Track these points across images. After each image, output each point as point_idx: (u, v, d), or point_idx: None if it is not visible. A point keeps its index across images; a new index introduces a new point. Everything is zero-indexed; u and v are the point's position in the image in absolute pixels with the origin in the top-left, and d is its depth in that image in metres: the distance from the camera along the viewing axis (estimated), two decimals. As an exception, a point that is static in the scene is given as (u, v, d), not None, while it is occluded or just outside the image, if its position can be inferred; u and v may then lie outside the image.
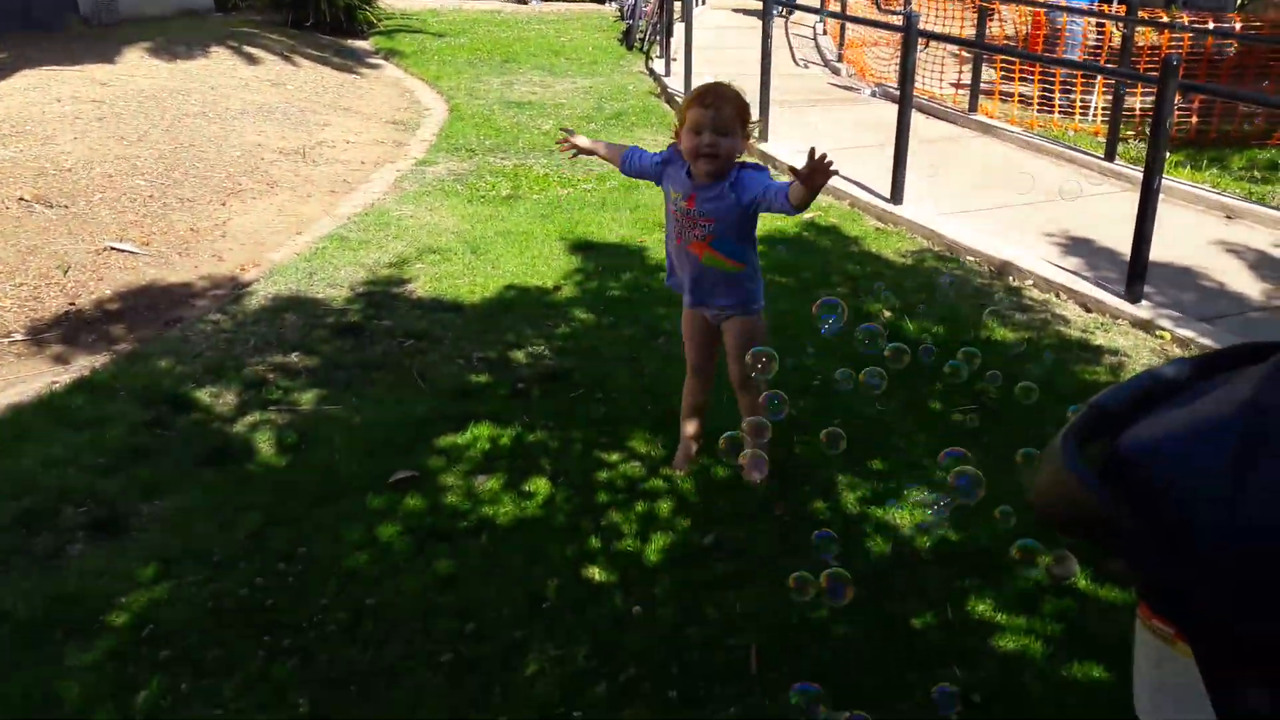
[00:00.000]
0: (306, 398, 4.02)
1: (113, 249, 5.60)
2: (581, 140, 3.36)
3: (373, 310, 4.90)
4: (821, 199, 7.01)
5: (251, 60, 10.38)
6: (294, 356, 4.39)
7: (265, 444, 3.67)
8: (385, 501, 3.29)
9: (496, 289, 5.18)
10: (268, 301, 4.99)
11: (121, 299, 5.05)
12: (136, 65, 9.44)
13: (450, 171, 7.52)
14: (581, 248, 5.86)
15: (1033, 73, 10.01)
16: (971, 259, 5.84)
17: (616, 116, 9.55)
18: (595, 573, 2.93)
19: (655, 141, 8.55)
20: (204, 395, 4.00)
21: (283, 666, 2.58)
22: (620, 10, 15.62)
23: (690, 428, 3.49)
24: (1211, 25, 9.15)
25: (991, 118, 9.36)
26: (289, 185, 7.01)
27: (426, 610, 2.79)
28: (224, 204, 6.50)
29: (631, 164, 3.27)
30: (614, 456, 3.57)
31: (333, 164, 7.63)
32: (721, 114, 2.95)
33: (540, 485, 3.37)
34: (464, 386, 4.10)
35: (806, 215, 6.56)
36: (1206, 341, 4.63)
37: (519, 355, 4.41)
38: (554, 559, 2.98)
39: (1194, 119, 8.72)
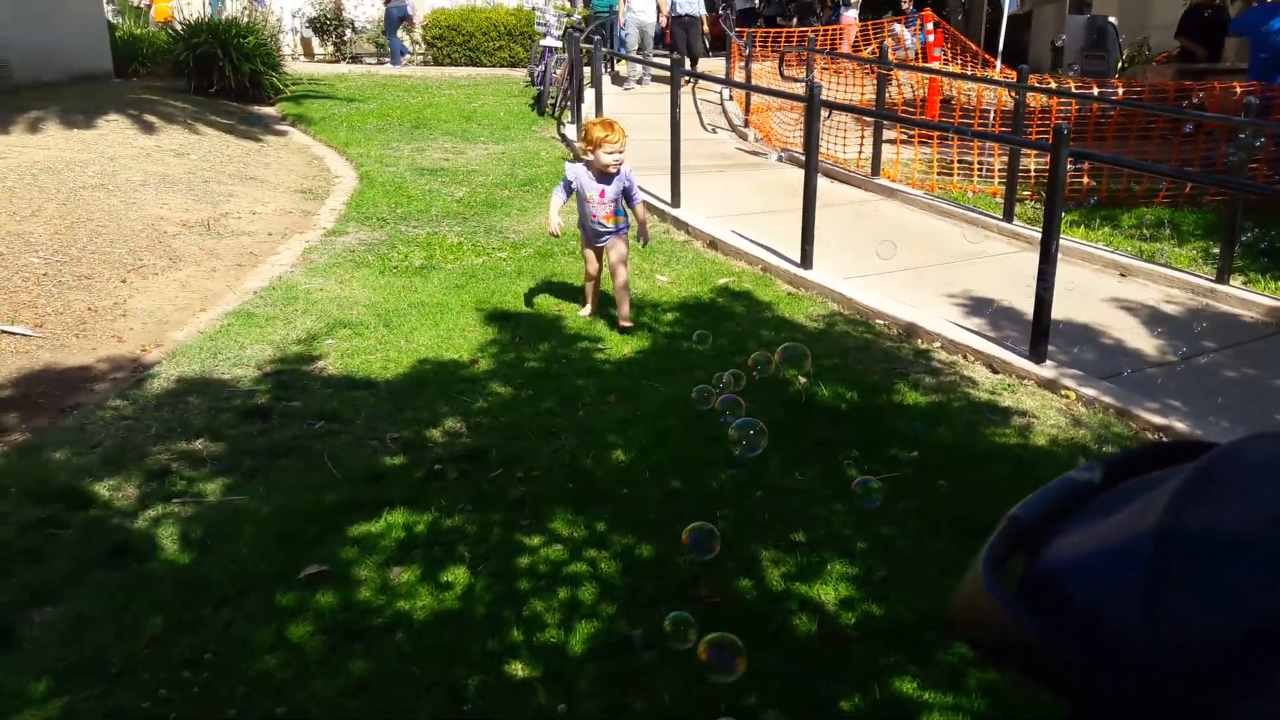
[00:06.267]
0: (212, 488, 3.86)
1: (3, 332, 5.35)
2: (553, 221, 5.80)
3: (281, 391, 4.76)
4: (733, 264, 7.12)
5: (152, 129, 10.14)
6: (199, 443, 4.22)
7: (168, 540, 3.50)
8: (296, 599, 3.16)
9: (410, 364, 5.08)
10: (171, 384, 4.81)
11: (14, 386, 4.81)
12: (30, 135, 9.13)
13: (361, 242, 7.42)
14: (497, 318, 5.81)
15: (931, 137, 10.38)
16: (880, 322, 5.96)
17: (530, 182, 9.57)
18: (518, 668, 2.84)
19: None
20: (102, 489, 3.81)
21: (187, 787, 2.43)
22: (530, 76, 15.76)
23: (590, 287, 5.92)
24: (1096, 91, 9.63)
25: (894, 181, 9.66)
26: (192, 260, 6.83)
27: (342, 717, 2.67)
28: (124, 281, 6.28)
29: (565, 197, 5.71)
30: (535, 540, 3.50)
31: (238, 236, 7.46)
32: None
33: (458, 575, 3.27)
34: (377, 470, 3.99)
35: (720, 281, 6.64)
36: (1109, 400, 4.78)
37: (434, 434, 4.32)
38: (474, 655, 2.88)
39: (1085, 179, 9.13)
